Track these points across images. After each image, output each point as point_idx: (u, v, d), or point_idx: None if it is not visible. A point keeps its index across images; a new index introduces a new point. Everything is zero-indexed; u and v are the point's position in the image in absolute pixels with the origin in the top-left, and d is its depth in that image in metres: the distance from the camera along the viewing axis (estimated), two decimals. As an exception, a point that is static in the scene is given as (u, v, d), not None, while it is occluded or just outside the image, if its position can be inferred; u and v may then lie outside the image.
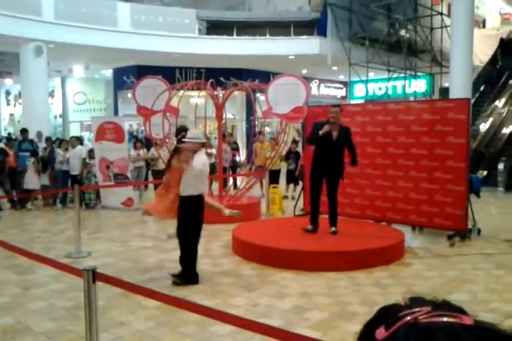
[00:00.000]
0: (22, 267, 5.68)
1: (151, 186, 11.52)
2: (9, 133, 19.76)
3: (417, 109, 7.38)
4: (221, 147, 9.47)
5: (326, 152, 6.14)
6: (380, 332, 0.56)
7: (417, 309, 0.56)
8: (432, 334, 0.52)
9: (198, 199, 5.08)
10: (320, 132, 6.01)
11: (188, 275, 5.09)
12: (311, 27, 16.47)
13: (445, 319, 0.54)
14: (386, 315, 0.58)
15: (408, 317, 0.55)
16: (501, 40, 18.92)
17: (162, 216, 5.47)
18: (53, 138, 12.37)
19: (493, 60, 18.08)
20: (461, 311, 0.57)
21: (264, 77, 15.31)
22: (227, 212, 5.44)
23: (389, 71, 16.76)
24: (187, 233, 5.09)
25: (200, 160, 5.02)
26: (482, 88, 16.49)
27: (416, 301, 0.60)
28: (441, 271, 5.52)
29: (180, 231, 5.11)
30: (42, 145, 11.93)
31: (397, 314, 0.57)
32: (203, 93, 9.57)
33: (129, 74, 17.44)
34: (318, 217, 6.48)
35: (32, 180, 10.10)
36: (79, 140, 12.18)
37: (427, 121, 7.14)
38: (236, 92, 11.19)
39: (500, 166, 12.60)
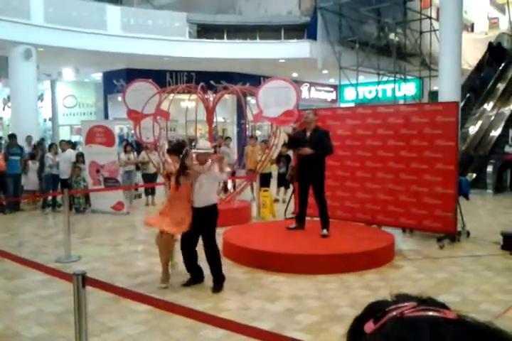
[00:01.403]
0: (11, 272, 5.63)
1: (141, 190, 11.46)
2: (0, 138, 19.60)
3: (406, 112, 7.43)
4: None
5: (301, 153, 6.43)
6: (369, 326, 0.59)
7: (403, 304, 0.60)
8: (416, 326, 0.54)
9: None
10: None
11: (221, 278, 5.06)
12: (301, 31, 16.54)
13: (429, 313, 0.57)
14: (374, 310, 0.62)
15: (395, 312, 0.58)
16: (490, 44, 19.07)
17: (172, 230, 5.17)
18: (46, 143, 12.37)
19: (480, 65, 18.22)
20: (443, 306, 0.60)
21: (255, 80, 15.31)
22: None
23: (379, 74, 16.87)
24: (214, 241, 5.07)
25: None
26: (468, 95, 16.64)
27: (402, 297, 0.63)
28: (430, 273, 5.55)
29: (209, 240, 5.03)
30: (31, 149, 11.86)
31: (384, 309, 0.60)
32: (194, 96, 9.57)
33: (119, 78, 17.40)
34: (304, 218, 6.74)
35: (32, 182, 10.58)
36: (71, 144, 12.17)
37: (416, 124, 7.19)
38: (227, 96, 11.19)
39: (489, 169, 12.70)
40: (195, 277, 5.21)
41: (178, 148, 5.39)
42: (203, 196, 5.04)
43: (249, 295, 4.83)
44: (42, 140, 12.44)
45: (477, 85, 16.96)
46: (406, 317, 0.57)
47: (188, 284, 5.15)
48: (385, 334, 0.56)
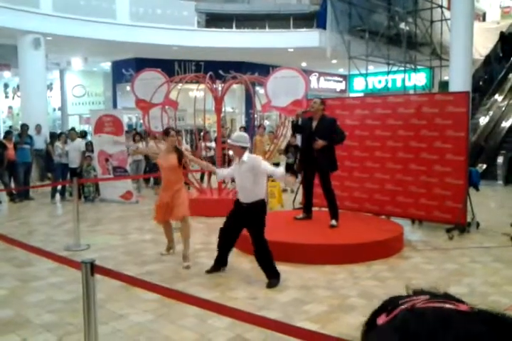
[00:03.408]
0: (20, 260, 5.68)
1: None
2: (10, 127, 19.72)
3: (417, 102, 7.36)
4: (220, 140, 9.44)
5: (305, 141, 6.39)
6: (381, 318, 0.60)
7: (416, 297, 0.60)
8: (426, 317, 0.54)
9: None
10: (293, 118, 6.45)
11: (274, 272, 4.87)
12: (310, 20, 16.40)
13: (441, 305, 0.57)
14: (388, 304, 0.62)
15: (406, 305, 0.59)
16: (501, 33, 18.79)
17: (179, 218, 5.60)
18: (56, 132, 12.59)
19: (492, 55, 17.98)
20: (459, 301, 0.59)
21: (264, 69, 15.26)
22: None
23: (388, 64, 16.71)
24: (264, 238, 4.90)
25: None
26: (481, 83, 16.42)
27: (416, 292, 0.63)
28: (440, 264, 5.53)
29: (259, 238, 4.85)
30: (41, 138, 11.95)
31: (397, 302, 0.61)
32: (202, 86, 9.54)
33: (128, 67, 17.38)
34: (310, 208, 6.75)
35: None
36: (83, 133, 12.30)
37: (427, 114, 7.13)
38: (235, 85, 11.15)
39: (500, 160, 12.60)
40: (217, 265, 5.23)
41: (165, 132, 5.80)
42: (249, 191, 4.86)
43: (257, 285, 4.84)
44: (54, 134, 12.65)
45: (487, 76, 16.77)
46: (416, 308, 0.57)
47: (210, 271, 5.18)
48: (394, 325, 0.56)
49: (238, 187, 5.01)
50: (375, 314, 0.62)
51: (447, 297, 0.60)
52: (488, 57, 17.94)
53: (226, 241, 5.16)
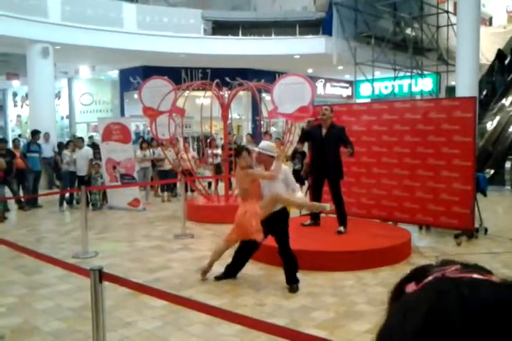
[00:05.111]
0: (29, 267, 5.71)
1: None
2: (19, 135, 19.89)
3: (423, 107, 7.35)
4: (227, 147, 9.46)
5: (316, 149, 6.46)
6: (410, 287, 0.59)
7: (447, 266, 0.59)
8: (458, 284, 0.54)
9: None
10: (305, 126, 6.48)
11: (296, 280, 4.94)
12: (316, 26, 16.45)
13: (473, 275, 0.56)
14: (417, 273, 0.61)
15: (437, 273, 0.58)
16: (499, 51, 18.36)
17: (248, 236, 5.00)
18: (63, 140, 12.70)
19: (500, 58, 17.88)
20: (489, 273, 0.59)
21: (270, 76, 15.31)
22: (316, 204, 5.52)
23: (395, 70, 16.70)
24: (288, 244, 4.99)
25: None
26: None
27: (447, 261, 0.63)
28: (448, 271, 5.49)
29: (284, 244, 4.95)
30: (49, 146, 12.04)
31: (427, 271, 0.60)
32: (209, 93, 9.58)
33: (135, 75, 17.49)
34: (318, 214, 6.76)
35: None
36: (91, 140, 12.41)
37: (434, 119, 7.11)
38: (241, 92, 11.19)
39: (508, 165, 12.53)
40: (230, 273, 5.21)
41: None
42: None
43: (265, 292, 4.83)
44: (61, 143, 12.77)
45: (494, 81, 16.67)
46: (448, 277, 0.57)
47: (219, 278, 5.16)
48: (425, 288, 0.56)
49: (264, 195, 4.98)
50: (403, 282, 0.61)
51: (478, 267, 0.60)
52: (491, 67, 17.81)
53: (245, 252, 5.14)
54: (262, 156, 4.97)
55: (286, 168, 5.14)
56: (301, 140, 6.89)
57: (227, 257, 5.25)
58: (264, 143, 5.23)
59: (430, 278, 0.57)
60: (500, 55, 17.85)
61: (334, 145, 6.20)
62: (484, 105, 15.31)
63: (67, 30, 13.44)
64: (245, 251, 5.17)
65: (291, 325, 3.72)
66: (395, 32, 16.93)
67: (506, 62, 17.50)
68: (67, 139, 15.09)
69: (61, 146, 12.23)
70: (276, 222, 4.94)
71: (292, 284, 4.89)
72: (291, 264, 4.95)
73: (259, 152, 4.99)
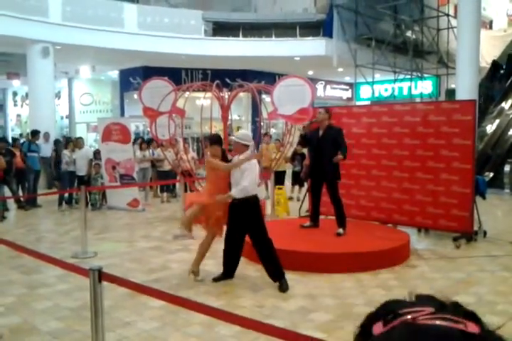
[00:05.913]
0: (28, 267, 5.71)
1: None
2: (20, 134, 19.89)
3: (423, 110, 7.37)
4: (227, 147, 9.45)
5: (313, 150, 6.48)
6: (378, 327, 0.54)
7: (420, 308, 0.53)
8: (427, 338, 0.48)
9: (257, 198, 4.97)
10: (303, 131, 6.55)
11: (280, 271, 4.90)
12: (316, 28, 16.47)
13: (447, 323, 0.49)
14: (388, 310, 0.56)
15: (408, 316, 0.52)
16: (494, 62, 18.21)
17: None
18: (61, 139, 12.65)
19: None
20: (469, 316, 0.52)
21: (270, 78, 15.31)
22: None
23: (395, 72, 16.73)
24: (265, 237, 4.89)
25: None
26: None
27: (422, 299, 0.56)
28: (446, 273, 5.50)
29: (257, 237, 4.90)
30: (48, 146, 12.04)
31: (397, 311, 0.54)
32: (209, 94, 9.58)
33: (135, 76, 17.49)
34: (317, 216, 6.76)
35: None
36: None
37: (433, 122, 7.12)
38: (242, 93, 11.18)
39: (507, 168, 12.54)
40: (226, 273, 5.21)
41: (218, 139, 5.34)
42: (248, 184, 4.81)
43: (263, 293, 4.83)
44: (58, 141, 12.68)
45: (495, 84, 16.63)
46: (418, 324, 0.50)
47: (218, 279, 5.16)
48: (391, 336, 0.51)
49: (233, 183, 4.96)
50: (372, 318, 0.57)
51: (455, 310, 0.53)
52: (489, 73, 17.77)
53: (231, 248, 5.14)
54: (237, 145, 4.96)
55: (254, 165, 4.94)
56: (303, 145, 6.91)
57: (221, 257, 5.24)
58: (241, 132, 5.28)
59: (397, 322, 0.52)
60: (496, 65, 17.79)
61: (330, 146, 6.16)
62: (483, 109, 15.33)
63: (68, 30, 13.44)
64: (232, 250, 5.15)
65: (290, 327, 3.72)
66: (396, 34, 16.96)
67: (502, 71, 17.42)
68: (62, 135, 15.05)
69: (58, 144, 12.12)
70: (244, 212, 4.88)
71: (280, 280, 4.86)
72: (270, 257, 4.88)
73: (235, 141, 5.01)
